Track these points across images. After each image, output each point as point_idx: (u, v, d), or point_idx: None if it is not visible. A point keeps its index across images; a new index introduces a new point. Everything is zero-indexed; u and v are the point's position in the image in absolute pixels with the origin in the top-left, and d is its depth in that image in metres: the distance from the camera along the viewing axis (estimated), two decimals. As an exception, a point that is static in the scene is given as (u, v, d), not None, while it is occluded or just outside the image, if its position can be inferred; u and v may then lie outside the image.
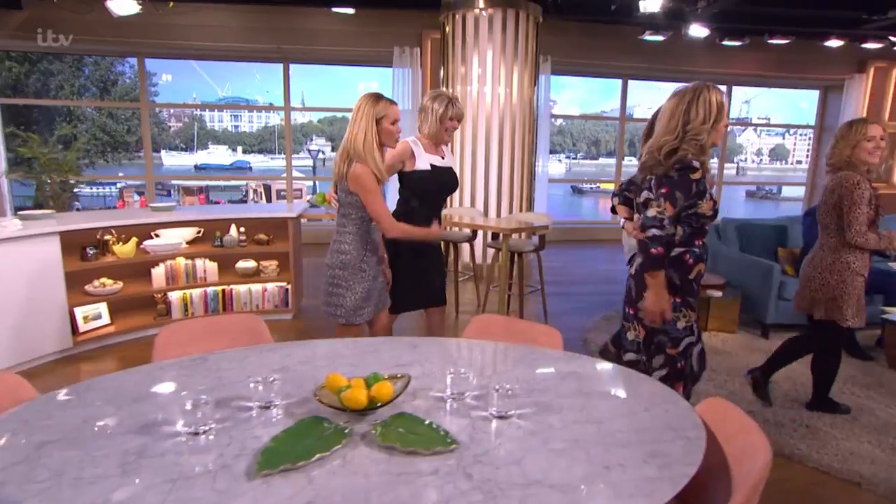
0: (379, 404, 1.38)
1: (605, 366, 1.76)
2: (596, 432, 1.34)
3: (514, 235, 4.36)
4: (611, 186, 9.84)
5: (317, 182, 21.31)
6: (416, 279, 2.77)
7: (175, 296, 4.14)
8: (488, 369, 1.71)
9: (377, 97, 2.31)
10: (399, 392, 1.43)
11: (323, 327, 4.48)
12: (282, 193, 8.41)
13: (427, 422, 1.35)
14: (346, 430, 1.30)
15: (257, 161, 36.01)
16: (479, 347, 1.89)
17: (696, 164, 1.98)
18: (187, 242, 4.26)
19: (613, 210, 2.67)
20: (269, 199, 13.63)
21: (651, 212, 1.99)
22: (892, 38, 7.23)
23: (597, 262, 7.47)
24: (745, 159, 41.44)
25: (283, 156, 8.36)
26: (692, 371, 2.21)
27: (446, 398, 1.50)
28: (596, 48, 7.84)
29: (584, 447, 1.27)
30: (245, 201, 17.34)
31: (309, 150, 35.22)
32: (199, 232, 4.33)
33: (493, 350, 1.87)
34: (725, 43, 7.55)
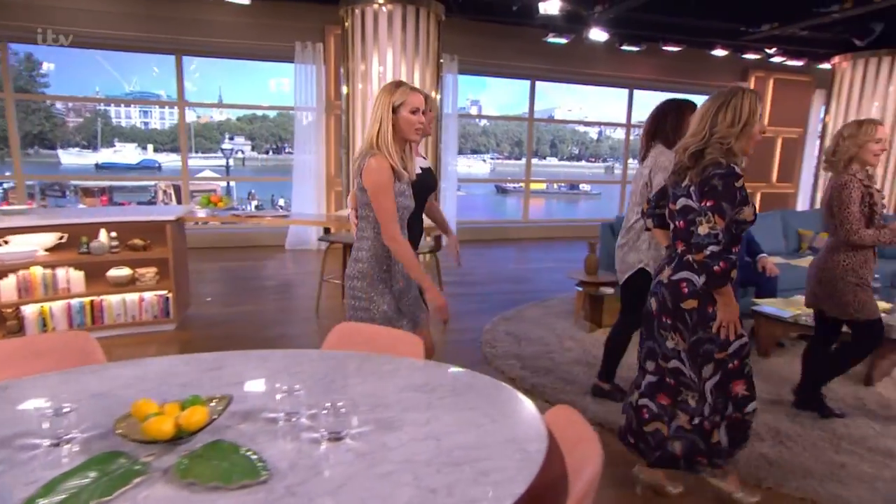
0: (189, 433, 1.22)
1: (464, 375, 1.68)
2: (433, 450, 1.25)
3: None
4: (534, 186, 9.98)
5: (231, 183, 20.29)
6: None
7: (30, 310, 3.69)
8: (336, 384, 1.58)
9: (397, 84, 2.08)
10: (215, 417, 1.27)
11: (211, 337, 4.17)
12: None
13: (243, 449, 1.20)
14: (142, 467, 1.13)
15: (169, 160, 33.79)
16: (332, 359, 1.75)
17: (738, 170, 1.95)
18: (46, 249, 3.81)
19: (648, 228, 2.47)
20: (179, 201, 12.78)
21: (703, 229, 1.92)
22: (766, 50, 7.84)
23: (506, 261, 7.55)
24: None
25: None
26: (751, 368, 2.14)
27: (279, 419, 1.36)
28: (502, 49, 7.92)
29: (414, 469, 1.17)
30: (154, 203, 16.20)
31: (222, 149, 33.43)
32: (61, 238, 3.88)
33: (346, 362, 1.74)
34: (624, 48, 7.86)
